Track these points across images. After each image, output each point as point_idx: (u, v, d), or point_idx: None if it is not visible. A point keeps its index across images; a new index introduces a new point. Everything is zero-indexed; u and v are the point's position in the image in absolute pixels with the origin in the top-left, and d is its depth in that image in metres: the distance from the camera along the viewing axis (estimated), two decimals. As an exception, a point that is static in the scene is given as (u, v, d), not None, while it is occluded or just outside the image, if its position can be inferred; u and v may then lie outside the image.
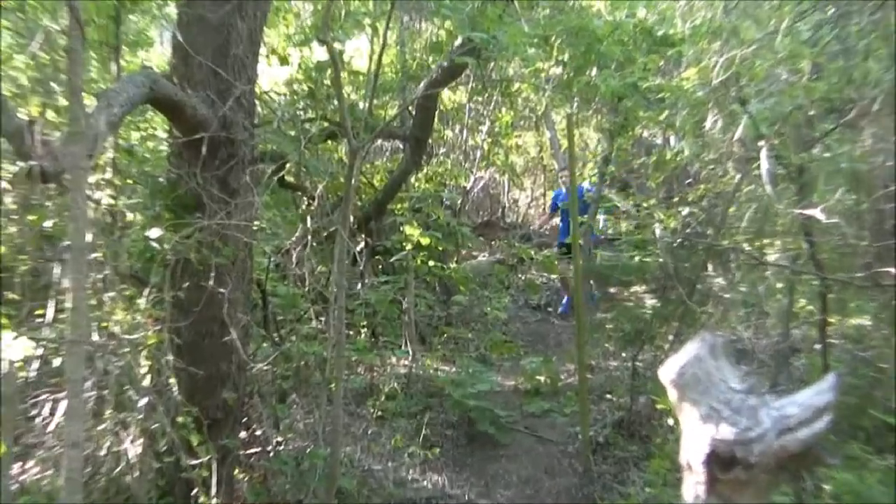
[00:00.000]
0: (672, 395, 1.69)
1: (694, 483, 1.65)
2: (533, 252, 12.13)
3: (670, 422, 6.35)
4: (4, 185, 4.67)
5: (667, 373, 1.71)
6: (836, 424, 1.56)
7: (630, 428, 7.04)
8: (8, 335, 3.64)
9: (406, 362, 8.43)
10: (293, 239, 6.14)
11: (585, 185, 10.55)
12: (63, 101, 4.76)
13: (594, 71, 8.18)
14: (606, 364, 8.42)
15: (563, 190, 10.42)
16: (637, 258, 9.26)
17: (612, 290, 10.67)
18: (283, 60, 7.95)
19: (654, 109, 8.14)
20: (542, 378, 8.27)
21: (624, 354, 7.75)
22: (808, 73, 5.57)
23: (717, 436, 1.60)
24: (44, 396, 4.76)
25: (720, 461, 1.59)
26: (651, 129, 10.54)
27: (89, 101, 4.16)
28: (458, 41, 7.30)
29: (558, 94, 9.79)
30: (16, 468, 4.75)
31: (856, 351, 5.87)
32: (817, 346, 5.74)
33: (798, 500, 4.82)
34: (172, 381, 4.75)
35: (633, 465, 6.52)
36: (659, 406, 6.53)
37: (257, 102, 5.99)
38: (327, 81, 7.36)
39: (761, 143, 5.34)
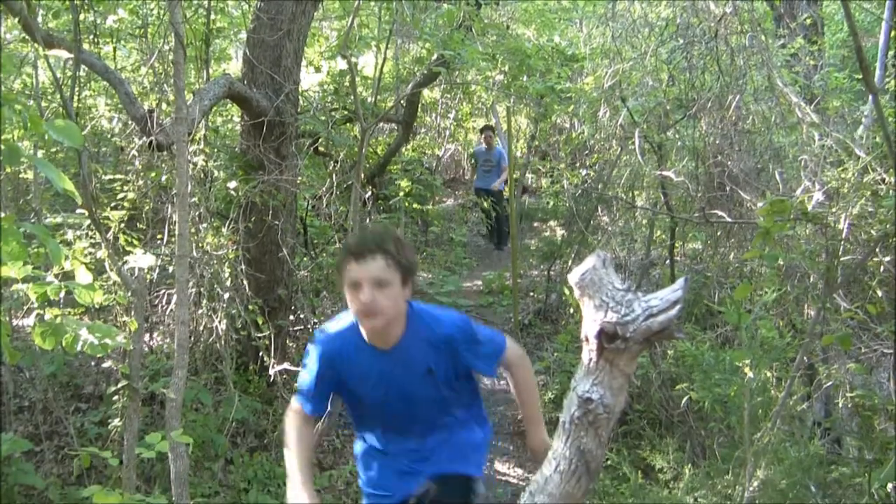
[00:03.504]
0: (575, 292, 1.65)
1: (588, 351, 1.65)
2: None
3: (572, 311, 6.47)
4: (133, 152, 4.66)
5: (572, 277, 1.66)
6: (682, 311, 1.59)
7: (545, 314, 7.17)
8: (139, 252, 3.67)
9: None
10: (323, 189, 6.11)
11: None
12: (171, 97, 4.72)
13: (525, 77, 8.12)
14: (530, 273, 8.52)
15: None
16: (552, 203, 9.32)
17: (535, 224, 10.77)
18: (317, 69, 7.87)
19: (565, 104, 8.14)
20: (495, 284, 8.27)
21: (542, 267, 7.83)
22: (666, 82, 5.60)
23: (605, 319, 1.60)
24: (162, 291, 4.81)
25: (607, 336, 1.60)
26: (562, 117, 10.53)
27: (189, 97, 4.15)
28: (435, 56, 7.24)
29: (501, 93, 9.74)
30: (146, 338, 4.83)
31: (692, 265, 6.02)
32: (667, 263, 5.88)
33: (653, 361, 5.00)
34: (244, 282, 4.81)
35: (547, 339, 6.65)
36: (565, 300, 6.64)
37: (300, 97, 5.95)
38: (347, 83, 7.29)
39: (635, 127, 5.39)
